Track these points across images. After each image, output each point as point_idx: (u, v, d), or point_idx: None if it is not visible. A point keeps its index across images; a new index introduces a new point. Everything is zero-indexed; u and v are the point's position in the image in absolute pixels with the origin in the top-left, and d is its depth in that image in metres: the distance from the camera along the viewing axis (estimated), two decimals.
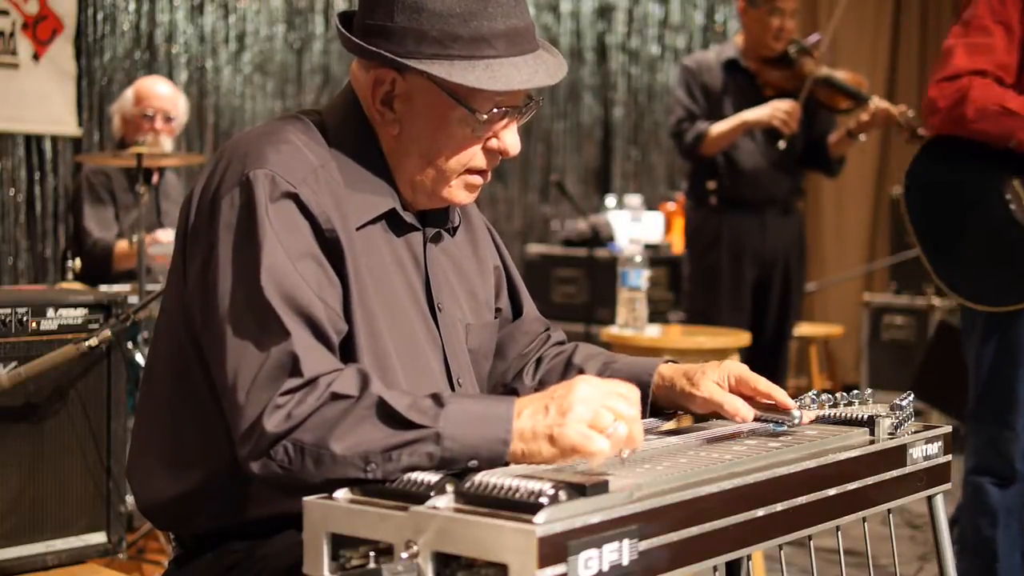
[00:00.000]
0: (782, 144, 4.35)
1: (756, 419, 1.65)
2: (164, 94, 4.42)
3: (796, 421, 1.63)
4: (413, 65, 1.53)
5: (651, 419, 1.71)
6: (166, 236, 4.08)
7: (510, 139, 1.63)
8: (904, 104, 4.58)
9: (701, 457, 1.44)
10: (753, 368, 1.72)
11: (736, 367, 1.69)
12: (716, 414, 1.69)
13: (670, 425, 1.70)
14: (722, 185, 4.49)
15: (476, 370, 1.76)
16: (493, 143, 1.63)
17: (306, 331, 1.45)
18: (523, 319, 1.89)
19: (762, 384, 1.67)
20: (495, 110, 1.58)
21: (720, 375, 1.68)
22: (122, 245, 4.24)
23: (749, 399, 1.67)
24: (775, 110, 4.31)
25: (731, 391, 1.67)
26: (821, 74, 4.40)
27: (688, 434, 1.61)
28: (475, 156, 1.62)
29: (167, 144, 4.39)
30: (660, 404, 1.75)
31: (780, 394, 1.66)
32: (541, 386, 1.83)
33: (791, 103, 4.32)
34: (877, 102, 4.37)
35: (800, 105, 4.33)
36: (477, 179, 1.65)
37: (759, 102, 4.41)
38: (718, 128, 4.39)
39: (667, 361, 1.77)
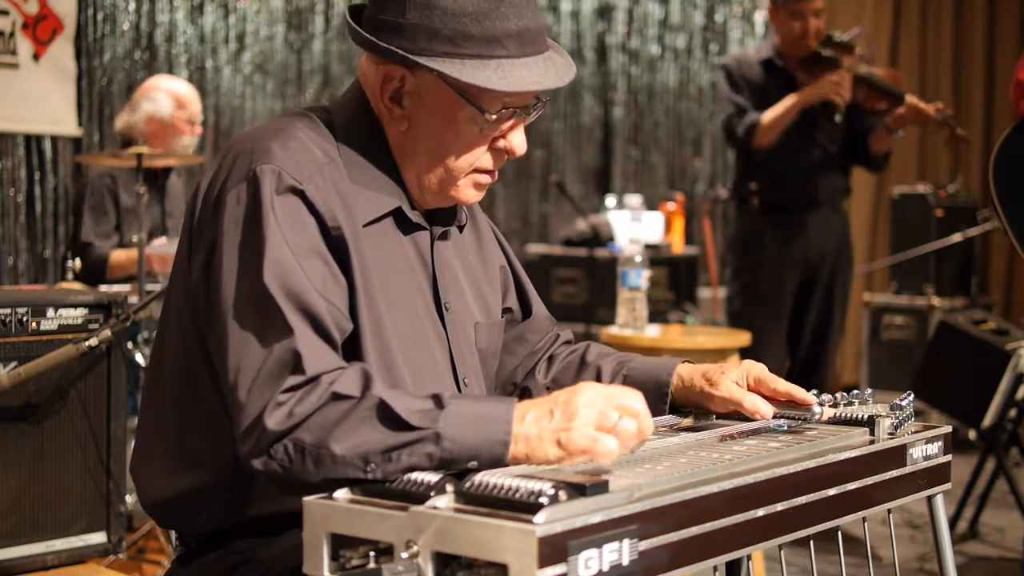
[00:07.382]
0: (838, 117, 4.35)
1: (776, 416, 1.67)
2: (197, 97, 4.48)
3: (816, 417, 1.66)
4: (425, 63, 1.53)
5: (668, 416, 1.72)
6: (163, 242, 4.07)
7: (517, 140, 1.63)
8: (941, 102, 4.57)
9: (701, 457, 1.44)
10: (791, 377, 1.73)
11: (755, 367, 1.71)
12: (736, 413, 1.69)
13: (687, 422, 1.72)
14: (764, 188, 4.48)
15: (484, 370, 1.76)
16: (500, 143, 1.63)
17: (309, 328, 1.45)
18: (533, 318, 1.90)
19: (780, 384, 1.68)
20: (503, 110, 1.58)
21: (739, 374, 1.70)
22: (117, 255, 4.19)
23: (768, 399, 1.68)
24: (825, 82, 4.29)
25: (750, 390, 1.69)
26: (859, 72, 4.38)
27: (699, 432, 1.61)
28: (482, 156, 1.62)
29: (195, 144, 4.44)
30: (678, 404, 1.76)
31: (799, 392, 1.68)
32: (555, 384, 1.84)
33: (840, 72, 4.29)
34: (911, 99, 4.37)
35: (848, 85, 4.30)
36: (485, 178, 1.65)
37: None
38: (770, 114, 4.36)
39: (685, 361, 1.78)
